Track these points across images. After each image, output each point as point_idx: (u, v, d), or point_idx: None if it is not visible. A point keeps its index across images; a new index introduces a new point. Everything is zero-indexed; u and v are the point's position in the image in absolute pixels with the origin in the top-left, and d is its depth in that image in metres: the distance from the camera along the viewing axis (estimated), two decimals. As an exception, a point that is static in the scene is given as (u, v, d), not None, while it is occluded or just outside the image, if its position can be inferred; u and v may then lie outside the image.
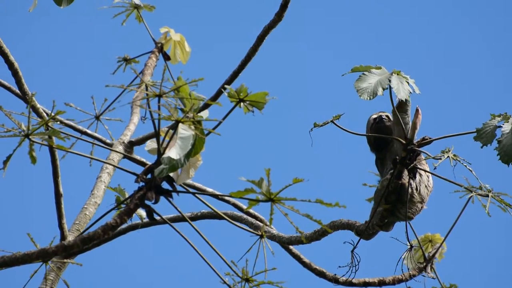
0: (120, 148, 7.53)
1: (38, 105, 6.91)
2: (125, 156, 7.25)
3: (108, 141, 7.80)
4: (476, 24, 12.08)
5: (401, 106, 6.35)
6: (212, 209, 5.11)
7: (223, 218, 5.25)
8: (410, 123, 6.30)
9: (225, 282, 4.98)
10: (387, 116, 6.59)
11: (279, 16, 7.12)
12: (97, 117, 8.06)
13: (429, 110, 6.24)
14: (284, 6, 7.08)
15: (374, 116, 6.63)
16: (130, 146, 7.64)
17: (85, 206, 6.89)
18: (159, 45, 8.27)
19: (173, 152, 4.69)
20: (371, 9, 12.27)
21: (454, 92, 11.67)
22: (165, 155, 4.70)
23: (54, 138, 5.02)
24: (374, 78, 6.00)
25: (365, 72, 6.02)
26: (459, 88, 11.77)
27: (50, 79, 11.29)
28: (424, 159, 6.25)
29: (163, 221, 5.16)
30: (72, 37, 11.73)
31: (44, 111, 7.06)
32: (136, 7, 8.20)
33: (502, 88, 11.65)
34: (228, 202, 7.62)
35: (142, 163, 7.41)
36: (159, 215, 4.88)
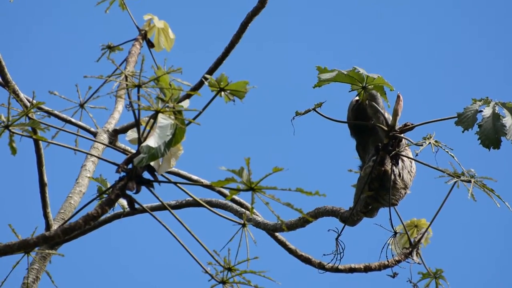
0: (105, 137, 7.52)
1: (22, 95, 6.89)
2: (108, 146, 7.25)
3: (92, 129, 7.78)
4: (459, 12, 12.10)
5: (373, 98, 6.36)
6: (194, 198, 5.11)
7: (205, 207, 5.26)
8: (383, 109, 6.31)
9: (207, 272, 4.99)
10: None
11: (262, 3, 7.11)
12: (82, 105, 8.03)
13: (411, 96, 6.25)
14: (267, -7, 7.08)
15: (357, 98, 6.63)
16: (114, 134, 7.63)
17: (70, 195, 6.89)
18: (143, 32, 8.25)
19: (152, 141, 4.69)
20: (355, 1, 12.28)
21: (435, 78, 11.70)
22: (143, 144, 4.70)
23: (36, 128, 5.01)
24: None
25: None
26: (441, 74, 11.79)
27: (33, 68, 11.24)
28: (407, 146, 6.25)
29: (146, 210, 5.16)
30: (56, 25, 11.69)
31: (28, 101, 7.04)
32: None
33: (484, 72, 11.68)
34: (213, 189, 7.62)
35: (126, 152, 7.39)
36: (140, 204, 4.88)
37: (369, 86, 6.15)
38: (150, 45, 8.26)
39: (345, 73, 6.07)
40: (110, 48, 8.29)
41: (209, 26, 11.94)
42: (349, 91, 6.24)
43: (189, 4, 11.88)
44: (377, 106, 6.26)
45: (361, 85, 6.18)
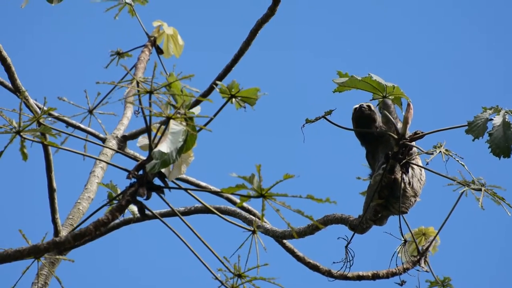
0: (114, 143, 7.53)
1: (31, 101, 6.90)
2: (117, 152, 7.24)
3: (101, 135, 7.79)
4: (468, 16, 12.09)
5: (386, 106, 6.39)
6: (204, 204, 5.11)
7: (215, 214, 5.25)
8: (396, 118, 6.33)
9: (217, 278, 4.98)
10: (368, 105, 6.60)
11: (272, 11, 7.10)
12: (90, 111, 8.06)
13: (421, 104, 6.25)
14: (277, 0, 7.06)
15: (355, 106, 6.65)
16: (123, 140, 7.64)
17: (79, 201, 6.89)
18: (152, 38, 8.26)
19: (164, 146, 4.69)
20: (364, 6, 12.28)
21: (446, 86, 11.69)
22: (155, 149, 4.70)
23: (46, 134, 5.01)
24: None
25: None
26: (452, 82, 11.78)
27: (43, 74, 11.27)
28: (417, 154, 6.25)
29: (156, 217, 5.16)
30: (65, 32, 11.71)
31: (38, 106, 7.05)
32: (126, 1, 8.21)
33: (494, 80, 11.67)
34: (221, 196, 7.62)
35: (135, 158, 7.39)
36: (150, 211, 4.88)
37: (390, 97, 6.16)
38: (159, 51, 8.28)
39: (360, 79, 6.07)
40: (119, 54, 8.31)
41: (217, 30, 11.96)
42: (370, 100, 6.26)
43: (197, 9, 11.90)
44: (389, 115, 6.27)
45: (381, 94, 6.18)
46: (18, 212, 10.35)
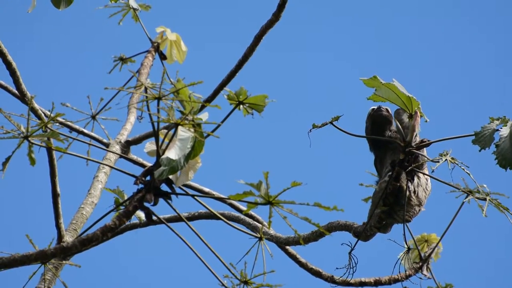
0: (117, 148, 7.53)
1: (37, 106, 6.90)
2: (121, 156, 7.24)
3: (105, 140, 7.79)
4: (477, 25, 12.10)
5: (399, 115, 6.41)
6: (210, 210, 5.11)
7: (221, 220, 5.25)
8: (407, 128, 6.34)
9: (223, 285, 4.99)
10: (386, 108, 6.62)
11: (276, 16, 7.10)
12: (93, 117, 8.06)
13: (429, 112, 6.26)
14: (281, 6, 7.06)
15: (373, 107, 6.67)
16: (127, 145, 7.64)
17: (82, 206, 6.89)
18: (155, 44, 8.27)
19: (172, 153, 4.69)
20: (371, 10, 12.28)
21: (454, 94, 11.70)
22: (164, 156, 4.70)
23: (52, 139, 5.02)
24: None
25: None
26: (459, 91, 11.79)
27: (47, 79, 11.27)
28: (423, 162, 6.26)
29: (162, 222, 5.16)
30: (69, 37, 11.72)
31: (43, 112, 7.06)
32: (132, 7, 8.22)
33: (502, 91, 11.68)
34: (225, 202, 7.62)
35: (138, 163, 7.40)
36: (157, 217, 4.88)
37: (412, 113, 6.19)
38: (163, 57, 8.29)
39: (383, 83, 6.08)
40: (123, 59, 8.32)
41: (221, 35, 11.97)
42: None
43: (200, 13, 11.91)
44: (399, 125, 6.28)
45: (410, 112, 6.20)
46: (22, 217, 10.35)
